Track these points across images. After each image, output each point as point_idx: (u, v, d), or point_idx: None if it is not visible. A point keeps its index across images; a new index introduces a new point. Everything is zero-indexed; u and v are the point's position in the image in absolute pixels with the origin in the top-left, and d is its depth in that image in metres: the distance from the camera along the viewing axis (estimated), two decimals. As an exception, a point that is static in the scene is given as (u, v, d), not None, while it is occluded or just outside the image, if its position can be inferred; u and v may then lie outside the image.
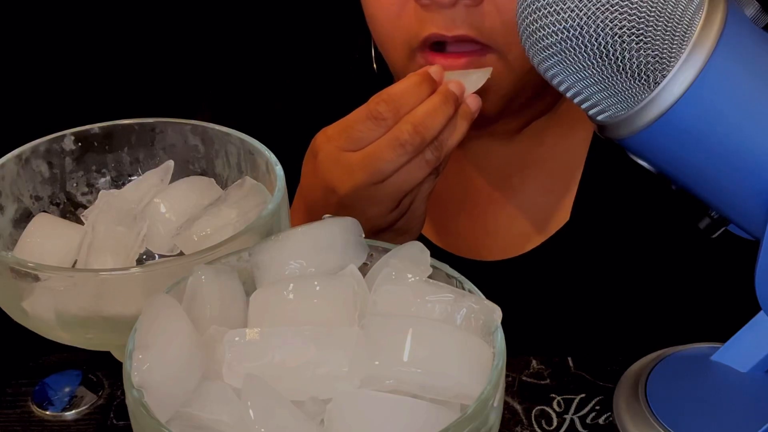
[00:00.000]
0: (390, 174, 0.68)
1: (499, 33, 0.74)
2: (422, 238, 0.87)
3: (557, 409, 0.73)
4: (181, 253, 0.64)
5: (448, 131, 0.69)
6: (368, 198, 0.70)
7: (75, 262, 0.64)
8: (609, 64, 0.57)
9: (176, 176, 0.69)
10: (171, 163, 0.69)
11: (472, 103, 0.70)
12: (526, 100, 0.81)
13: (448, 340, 0.48)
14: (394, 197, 0.70)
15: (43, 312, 0.58)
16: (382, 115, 0.68)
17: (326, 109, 0.94)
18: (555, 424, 0.72)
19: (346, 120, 0.70)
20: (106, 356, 0.64)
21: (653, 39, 0.56)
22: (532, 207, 0.90)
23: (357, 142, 0.69)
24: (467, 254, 0.90)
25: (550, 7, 0.57)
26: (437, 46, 0.76)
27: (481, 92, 0.72)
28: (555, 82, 0.61)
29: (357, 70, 0.94)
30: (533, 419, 0.72)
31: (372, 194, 0.69)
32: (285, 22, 1.06)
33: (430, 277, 0.53)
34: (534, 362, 0.77)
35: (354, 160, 0.69)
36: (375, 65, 0.91)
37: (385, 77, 0.91)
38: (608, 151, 0.83)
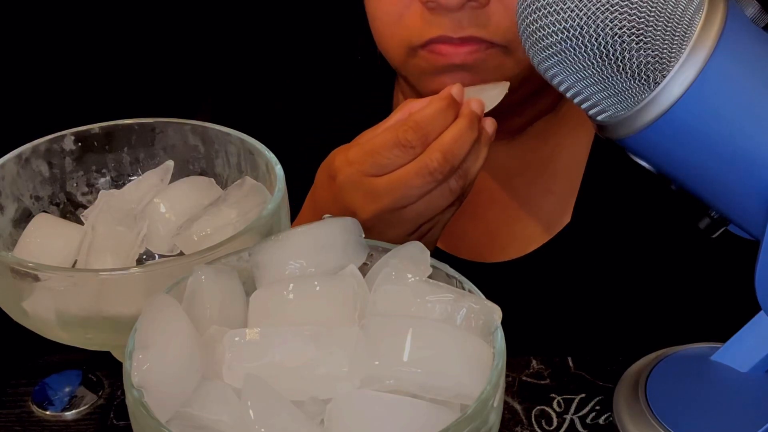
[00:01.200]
0: (415, 200, 0.69)
1: (506, 31, 0.74)
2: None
3: (557, 409, 0.73)
4: (181, 253, 0.64)
5: (472, 159, 0.69)
6: (389, 222, 0.70)
7: (75, 262, 0.64)
8: (609, 64, 0.57)
9: (176, 176, 0.69)
10: (171, 163, 0.69)
11: (490, 127, 0.70)
12: (530, 93, 0.82)
13: (448, 340, 0.48)
14: (415, 223, 0.71)
15: (43, 312, 0.58)
16: (411, 143, 0.68)
17: (326, 109, 0.95)
18: (555, 424, 0.72)
19: (370, 145, 0.70)
20: (106, 356, 0.64)
21: (653, 39, 0.56)
22: (534, 208, 0.90)
23: (382, 168, 0.69)
24: (468, 256, 0.90)
25: (550, 7, 0.57)
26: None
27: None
28: (555, 82, 0.61)
29: (357, 71, 0.94)
30: (533, 419, 0.72)
31: (393, 219, 0.70)
32: (285, 22, 1.06)
33: (430, 277, 0.53)
34: (534, 362, 0.77)
35: (379, 185, 0.69)
36: (379, 62, 0.91)
37: (387, 77, 0.91)
38: (610, 153, 0.83)
